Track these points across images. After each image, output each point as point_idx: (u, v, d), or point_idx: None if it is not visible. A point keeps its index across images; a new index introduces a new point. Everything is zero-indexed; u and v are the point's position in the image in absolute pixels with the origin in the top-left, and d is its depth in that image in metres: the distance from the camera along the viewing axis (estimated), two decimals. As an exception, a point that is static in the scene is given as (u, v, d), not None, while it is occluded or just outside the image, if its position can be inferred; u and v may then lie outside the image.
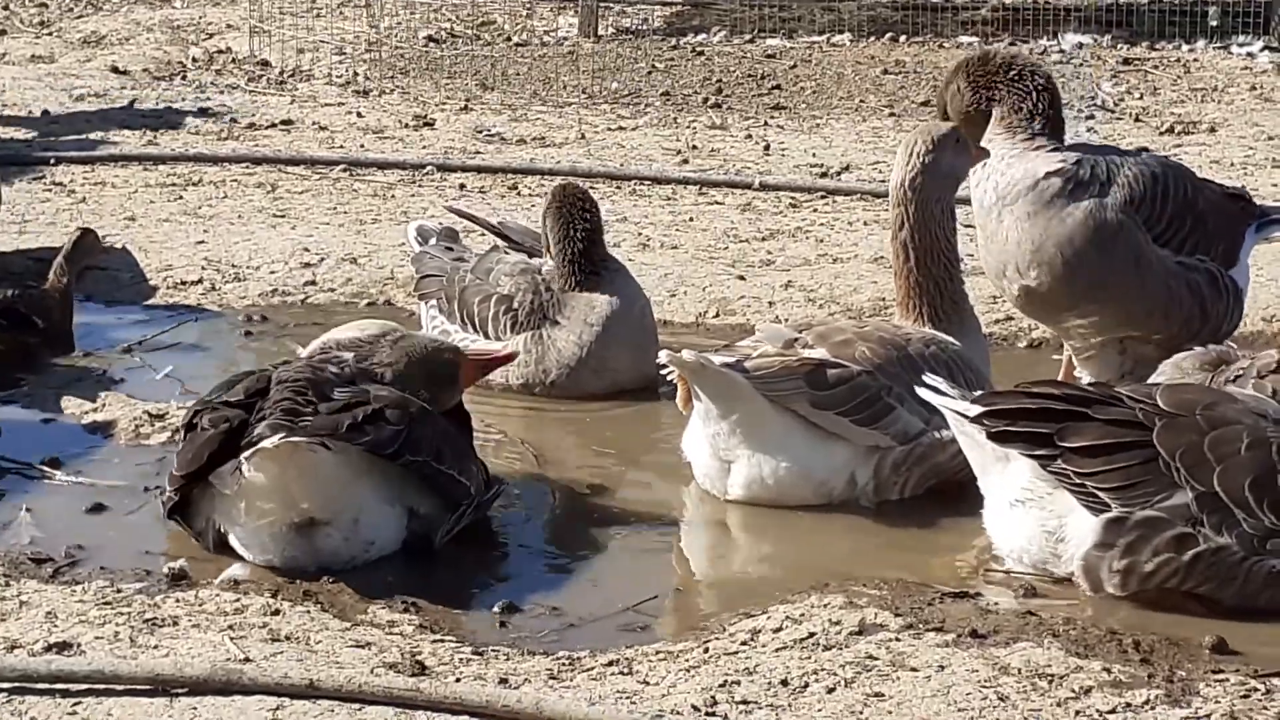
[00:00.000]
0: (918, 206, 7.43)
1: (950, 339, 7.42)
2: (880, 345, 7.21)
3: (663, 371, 7.08)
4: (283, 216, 10.50)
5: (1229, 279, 8.03)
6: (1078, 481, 6.33)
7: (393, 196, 10.95)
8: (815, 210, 10.84)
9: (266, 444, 6.28)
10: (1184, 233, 7.89)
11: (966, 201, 7.95)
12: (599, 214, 8.35)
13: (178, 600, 6.21)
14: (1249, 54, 14.17)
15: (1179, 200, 7.88)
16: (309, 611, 6.16)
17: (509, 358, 7.69)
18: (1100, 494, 6.32)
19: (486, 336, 8.29)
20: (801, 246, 10.16)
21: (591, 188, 11.08)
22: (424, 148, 11.98)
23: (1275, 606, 6.27)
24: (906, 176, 7.44)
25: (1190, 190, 7.95)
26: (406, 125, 12.50)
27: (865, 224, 10.53)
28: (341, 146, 11.97)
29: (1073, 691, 5.70)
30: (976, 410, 6.49)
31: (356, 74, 13.75)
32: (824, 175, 11.45)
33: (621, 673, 5.86)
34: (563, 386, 8.23)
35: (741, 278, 9.62)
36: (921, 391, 6.74)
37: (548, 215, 8.32)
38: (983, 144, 7.88)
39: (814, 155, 11.87)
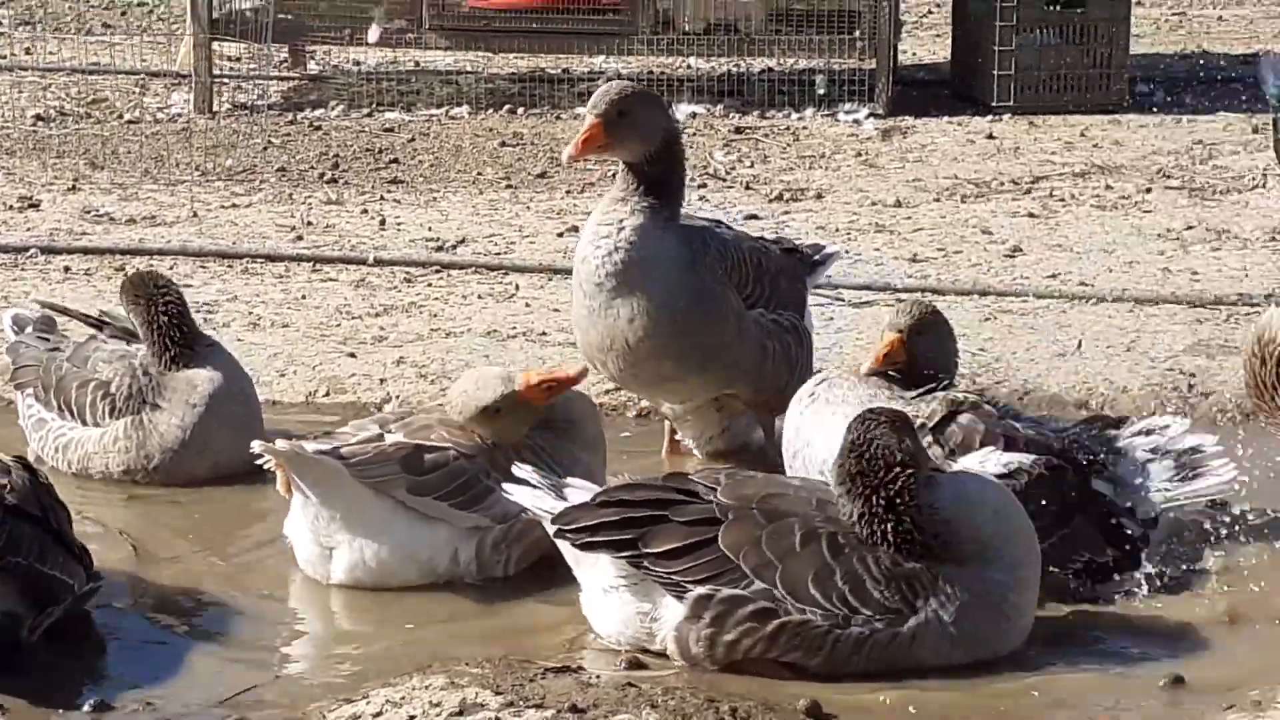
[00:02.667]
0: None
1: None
2: (461, 430, 7.21)
3: (258, 461, 6.99)
4: (-124, 306, 10.14)
5: (804, 329, 8.31)
6: (665, 576, 6.44)
7: (-7, 282, 10.67)
8: (430, 285, 10.82)
9: None
10: (766, 292, 8.13)
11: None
12: (179, 291, 8.24)
13: None
14: (855, 121, 14.54)
15: (756, 264, 8.14)
16: (-113, 720, 5.94)
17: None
18: (689, 585, 6.43)
19: (84, 424, 8.12)
20: (415, 322, 10.14)
21: (203, 267, 10.99)
22: (28, 230, 11.70)
23: (866, 670, 6.41)
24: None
25: (761, 255, 8.20)
26: (10, 207, 12.19)
27: (479, 297, 10.55)
28: (-58, 231, 11.63)
29: (669, 763, 5.75)
30: (556, 527, 6.59)
31: (-40, 155, 13.38)
32: (439, 249, 11.45)
33: (215, 767, 5.75)
34: (166, 471, 8.08)
35: (353, 355, 9.56)
36: (508, 488, 6.78)
37: (126, 304, 8.21)
38: (608, 197, 7.89)
39: (430, 229, 11.87)
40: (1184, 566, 7.23)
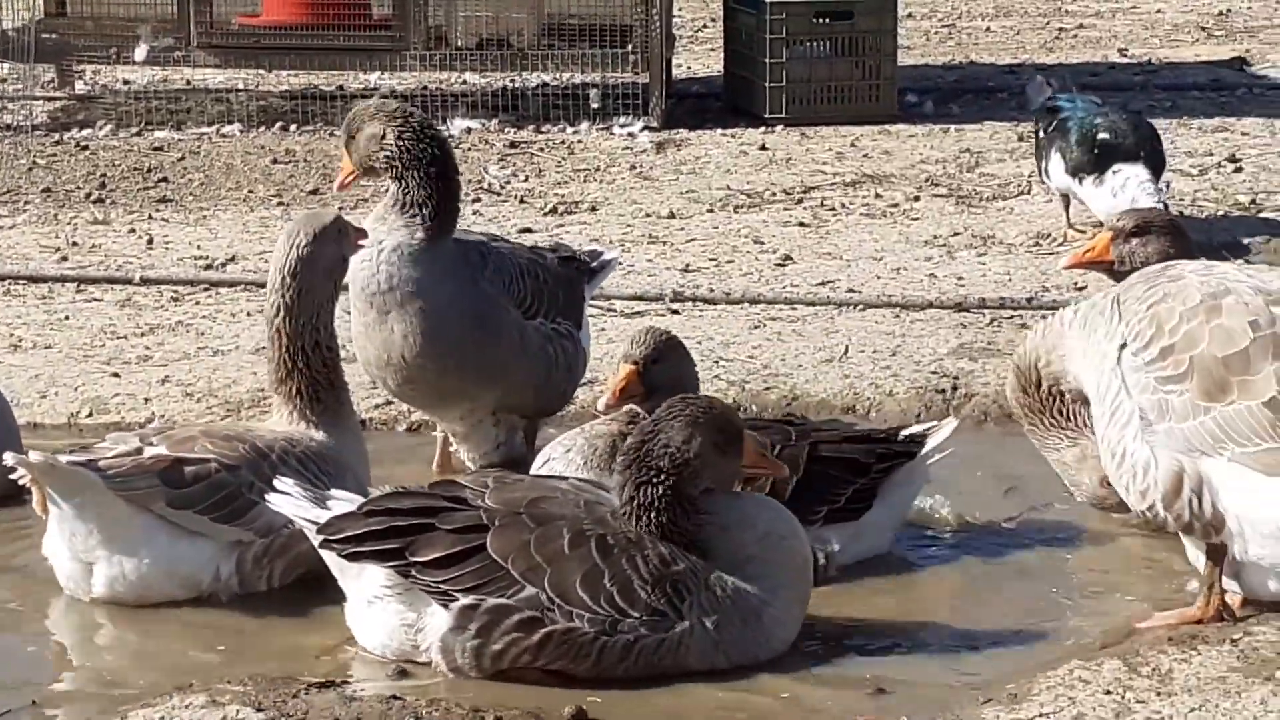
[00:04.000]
0: (296, 294, 7.36)
1: (308, 433, 7.34)
2: (225, 441, 7.13)
3: (12, 475, 6.85)
4: None
5: (579, 339, 8.34)
6: (433, 585, 6.40)
7: None
8: (198, 303, 10.69)
9: None
10: (543, 303, 8.14)
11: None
12: None
13: None
14: (630, 134, 14.60)
15: (534, 276, 8.16)
16: None
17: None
18: (456, 594, 6.39)
19: None
20: (181, 340, 10.00)
21: (-36, 290, 10.76)
22: None
23: (634, 675, 6.41)
24: (287, 264, 7.36)
25: (538, 267, 8.23)
26: None
27: (249, 315, 10.43)
28: None
29: (431, 773, 5.71)
30: (321, 538, 6.52)
31: None
32: (209, 267, 11.31)
33: (-36, 794, 5.61)
34: (-79, 496, 7.88)
35: (117, 375, 9.40)
36: (270, 499, 6.70)
37: None
38: (367, 223, 7.89)
39: (199, 247, 11.72)
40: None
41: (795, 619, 6.64)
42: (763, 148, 14.22)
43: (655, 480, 6.46)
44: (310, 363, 7.39)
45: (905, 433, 7.59)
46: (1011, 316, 10.22)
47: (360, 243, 7.66)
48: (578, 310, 8.39)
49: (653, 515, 6.46)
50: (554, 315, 8.20)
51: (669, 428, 6.49)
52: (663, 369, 7.40)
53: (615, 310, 10.39)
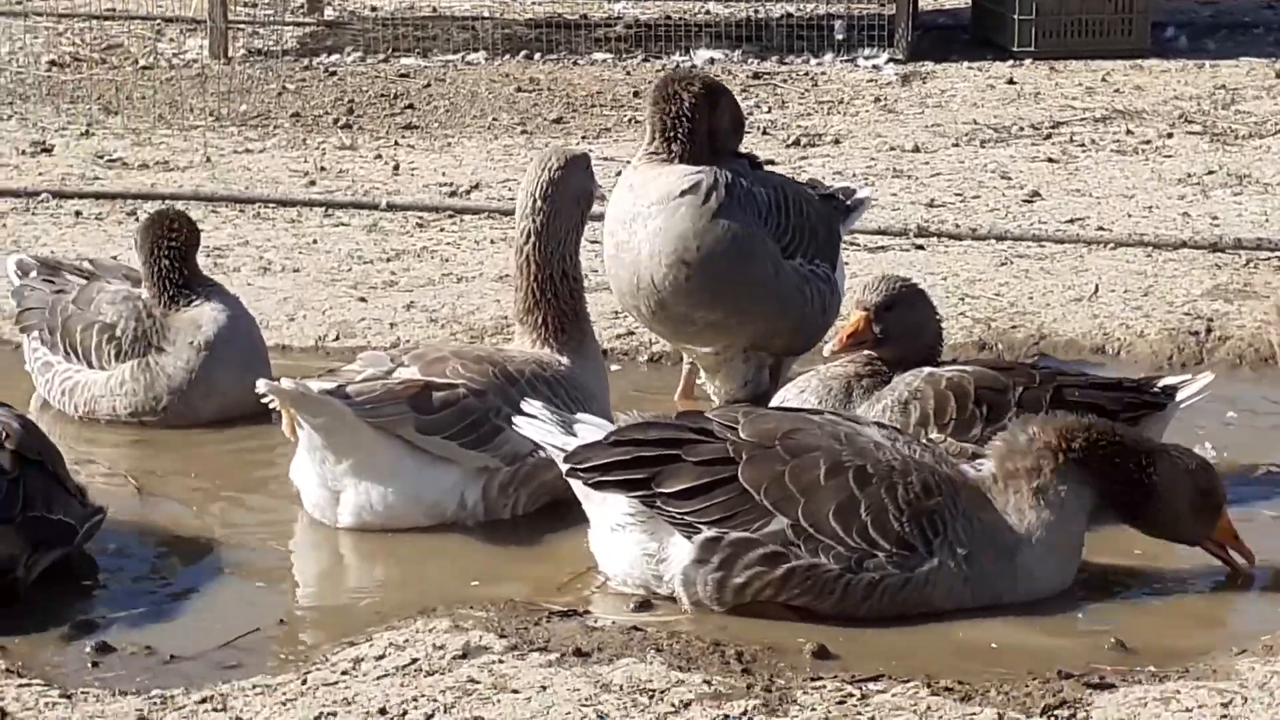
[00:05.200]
0: (546, 219, 7.38)
1: (556, 358, 7.36)
2: (475, 363, 7.14)
3: (263, 400, 6.93)
4: (-117, 250, 10.11)
5: (836, 280, 8.25)
6: (677, 516, 6.37)
7: (3, 225, 10.61)
8: (442, 230, 10.75)
9: None
10: (803, 242, 8.07)
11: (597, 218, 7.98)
12: (191, 234, 8.16)
13: None
14: (874, 66, 14.43)
15: (797, 213, 8.06)
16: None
17: None
18: (700, 526, 6.35)
19: (90, 366, 8.07)
20: (426, 266, 10.07)
21: (214, 212, 10.92)
22: (40, 175, 11.64)
23: (875, 615, 6.34)
24: (538, 188, 7.38)
25: (804, 203, 8.13)
26: (24, 152, 12.13)
27: (492, 242, 10.48)
28: (-47, 175, 11.58)
29: (672, 705, 5.69)
30: (568, 465, 6.51)
31: (-27, 100, 13.33)
32: (453, 194, 11.37)
33: (215, 709, 5.70)
34: (173, 413, 8.03)
35: (363, 300, 9.49)
36: (518, 422, 6.71)
37: (137, 239, 8.15)
38: (633, 162, 7.95)
39: (444, 174, 11.79)
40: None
41: (1053, 568, 6.48)
42: (1010, 81, 13.98)
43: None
44: (558, 292, 7.40)
45: (1161, 383, 7.38)
46: (1268, 258, 9.95)
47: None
48: (835, 250, 8.29)
49: None
50: (812, 255, 8.11)
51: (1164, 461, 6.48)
52: (896, 316, 7.30)
53: (858, 244, 10.28)
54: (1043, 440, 6.48)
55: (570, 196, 7.42)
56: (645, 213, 7.86)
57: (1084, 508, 6.50)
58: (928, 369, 7.25)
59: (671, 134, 7.89)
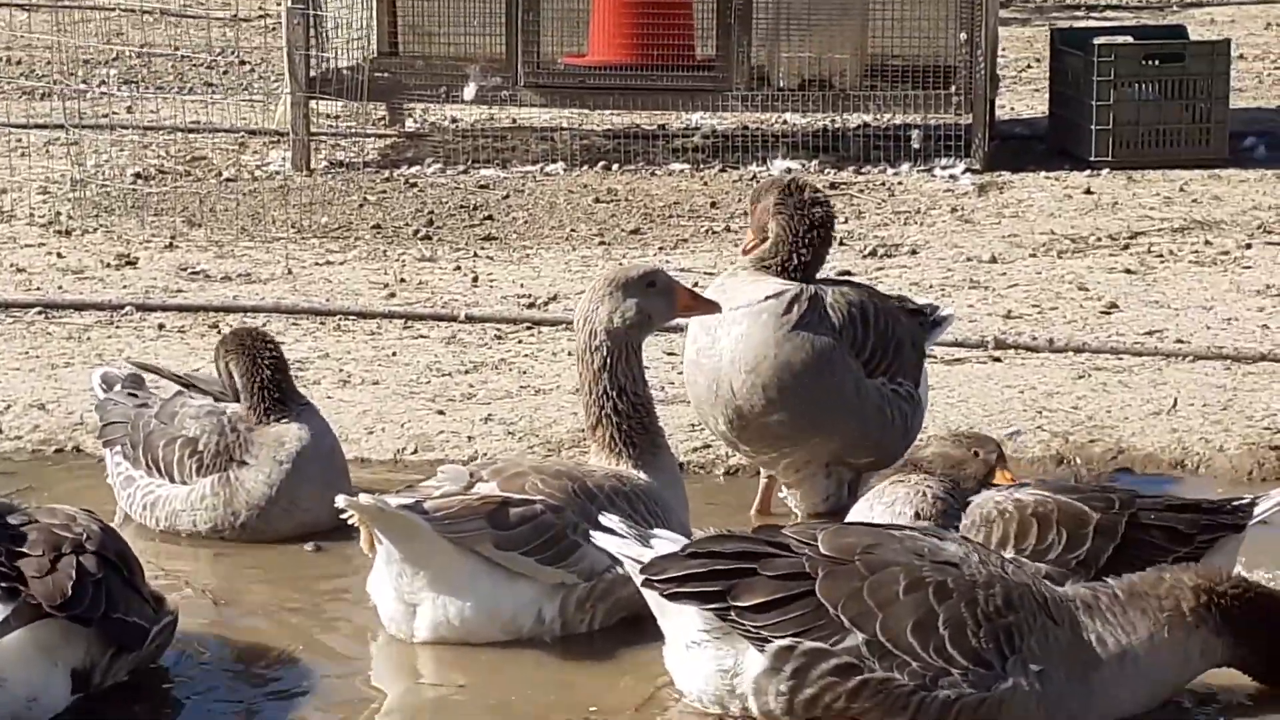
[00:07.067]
0: (600, 340, 7.43)
1: (634, 473, 7.39)
2: (554, 478, 7.18)
3: (342, 516, 6.98)
4: (-30, 363, 10.25)
5: (919, 396, 8.26)
6: (752, 629, 6.36)
7: (88, 339, 10.73)
8: (520, 341, 10.82)
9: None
10: (887, 360, 8.10)
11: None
12: (279, 348, 8.27)
13: None
14: (951, 176, 14.46)
15: (880, 329, 8.10)
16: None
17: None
18: (772, 638, 6.35)
19: (172, 480, 8.15)
20: (504, 379, 10.13)
21: (295, 324, 11.03)
22: (124, 287, 11.78)
23: (953, 733, 6.32)
24: (582, 318, 7.46)
25: (888, 319, 8.16)
26: (108, 265, 12.29)
27: (570, 354, 10.49)
28: (38, 288, 11.73)
29: (747, 828, 5.67)
30: (643, 576, 6.52)
31: (59, 213, 13.49)
32: (531, 305, 11.45)
33: (291, 828, 5.72)
34: (253, 529, 8.09)
35: (441, 412, 9.55)
36: (595, 536, 6.74)
37: (229, 356, 8.23)
38: (735, 265, 8.14)
39: (522, 285, 11.87)
40: None
41: (1131, 695, 6.45)
42: (1088, 191, 13.98)
43: None
44: (618, 408, 7.42)
45: (1236, 503, 7.35)
46: (1349, 371, 9.91)
47: (712, 309, 7.72)
48: (918, 367, 8.30)
49: None
50: (894, 373, 8.13)
51: None
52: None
53: (934, 355, 10.27)
54: (1187, 583, 6.49)
55: (619, 322, 7.44)
56: (729, 318, 7.92)
57: (1206, 656, 6.48)
58: (1014, 493, 7.23)
59: (790, 248, 7.97)
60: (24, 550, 6.46)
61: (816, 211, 8.06)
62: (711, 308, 7.74)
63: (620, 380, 7.43)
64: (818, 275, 8.20)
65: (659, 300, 7.51)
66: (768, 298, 7.92)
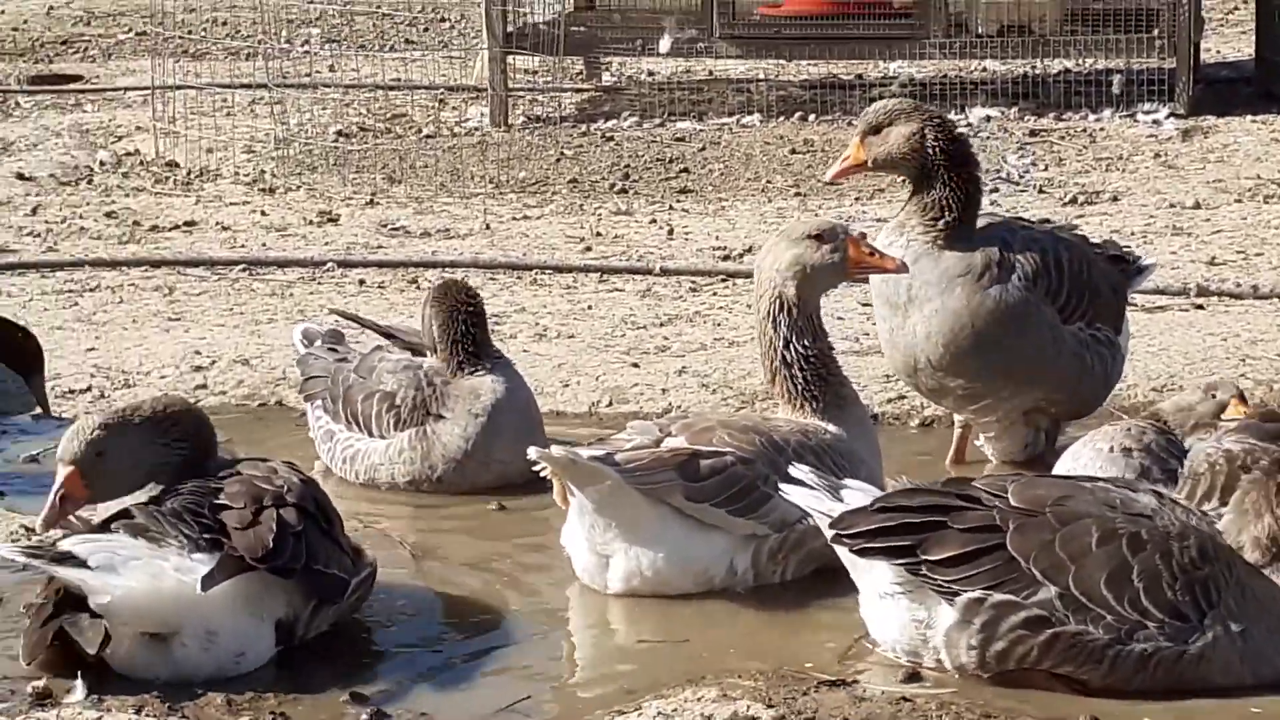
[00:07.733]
0: (774, 299, 7.40)
1: (822, 425, 7.36)
2: (742, 432, 7.17)
3: (535, 468, 7.03)
4: (178, 320, 10.45)
5: (1119, 344, 8.14)
6: (943, 584, 6.33)
7: (291, 295, 10.91)
8: (715, 294, 10.83)
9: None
10: (1083, 306, 7.99)
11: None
12: (482, 303, 8.34)
13: None
14: (1154, 121, 14.24)
15: (1075, 275, 7.98)
16: (171, 726, 6.08)
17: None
18: (962, 590, 6.31)
19: (370, 435, 8.25)
20: (698, 331, 10.14)
21: (492, 279, 11.12)
22: (326, 244, 11.95)
23: (1151, 688, 6.22)
24: (760, 269, 7.43)
25: (1085, 264, 8.03)
26: (310, 222, 12.47)
27: (765, 306, 10.49)
28: (243, 246, 11.93)
29: (940, 779, 5.65)
30: (833, 532, 6.50)
31: (264, 171, 13.72)
32: (726, 258, 11.45)
33: (487, 776, 5.79)
34: (450, 481, 8.17)
35: (636, 365, 9.59)
36: (785, 489, 6.72)
37: (430, 306, 8.31)
38: (892, 222, 7.94)
39: (718, 238, 11.87)
40: None
41: None
42: (1295, 135, 13.72)
43: None
44: (788, 362, 7.39)
45: None
46: None
47: (887, 265, 7.58)
48: (1119, 315, 8.18)
49: None
50: (1092, 318, 8.01)
51: None
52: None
53: (1135, 304, 10.12)
54: None
55: (795, 275, 7.39)
56: (920, 295, 7.83)
57: None
58: (1225, 443, 7.12)
59: (945, 208, 7.82)
60: (225, 503, 6.57)
61: (962, 150, 7.89)
62: (885, 264, 7.59)
63: (787, 334, 7.38)
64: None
65: (831, 256, 7.41)
66: (957, 275, 7.80)
